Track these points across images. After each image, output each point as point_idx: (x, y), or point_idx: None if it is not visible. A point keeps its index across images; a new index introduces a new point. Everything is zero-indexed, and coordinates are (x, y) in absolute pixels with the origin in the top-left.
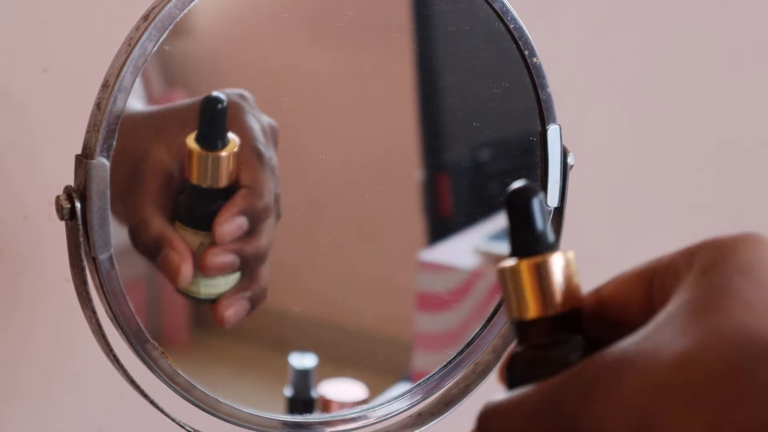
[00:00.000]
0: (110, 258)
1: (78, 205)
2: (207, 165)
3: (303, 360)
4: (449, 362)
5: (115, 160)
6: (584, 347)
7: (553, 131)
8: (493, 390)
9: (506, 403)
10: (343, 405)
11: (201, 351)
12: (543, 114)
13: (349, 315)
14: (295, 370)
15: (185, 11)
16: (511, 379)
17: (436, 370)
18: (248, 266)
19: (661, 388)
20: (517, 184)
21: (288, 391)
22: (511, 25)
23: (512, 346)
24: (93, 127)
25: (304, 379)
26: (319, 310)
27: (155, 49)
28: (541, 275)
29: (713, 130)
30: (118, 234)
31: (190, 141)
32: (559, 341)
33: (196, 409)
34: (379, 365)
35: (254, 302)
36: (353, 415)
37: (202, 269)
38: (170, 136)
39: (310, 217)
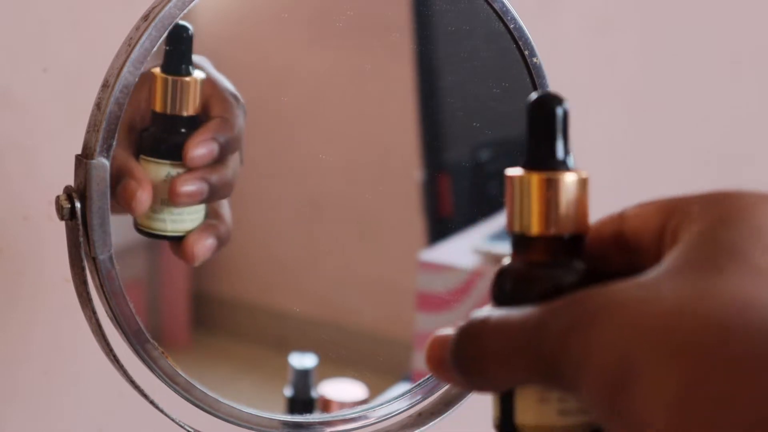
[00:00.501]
0: (110, 258)
1: (78, 205)
2: (170, 90)
3: (303, 360)
4: None
5: None
6: (583, 274)
7: None
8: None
9: (488, 326)
10: (343, 405)
11: (201, 351)
12: None
13: (349, 315)
14: (295, 370)
15: (185, 11)
16: (499, 292)
17: None
18: (214, 197)
19: (646, 333)
20: (544, 92)
21: (288, 391)
22: (511, 25)
23: (506, 258)
24: (93, 127)
25: (304, 379)
26: (319, 310)
27: (155, 49)
28: (552, 192)
29: (713, 130)
30: (118, 234)
31: (155, 69)
32: (557, 262)
33: (196, 409)
34: (379, 365)
35: (221, 240)
36: (353, 415)
37: (171, 197)
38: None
39: (310, 217)
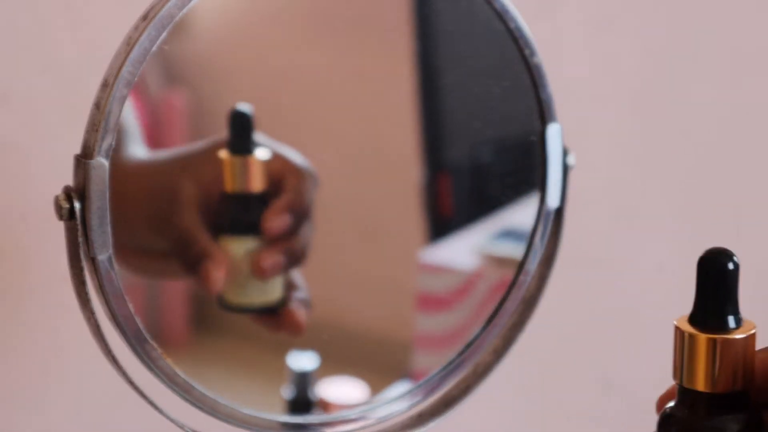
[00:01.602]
0: (109, 258)
1: (77, 205)
2: (238, 170)
3: (302, 360)
4: (449, 363)
5: (146, 203)
6: (746, 425)
7: (553, 131)
8: (492, 390)
9: None
10: (342, 406)
11: (200, 351)
12: (543, 114)
13: (349, 315)
14: (295, 371)
15: (185, 11)
16: None
17: (437, 370)
18: (293, 266)
19: None
20: (714, 249)
21: (287, 392)
22: (511, 25)
23: (671, 404)
24: (92, 127)
25: (303, 380)
26: (319, 310)
27: (154, 48)
28: (720, 353)
29: (713, 130)
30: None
31: (221, 153)
32: (721, 417)
33: (195, 409)
34: (379, 365)
35: (306, 305)
36: (353, 416)
37: (256, 272)
38: (195, 168)
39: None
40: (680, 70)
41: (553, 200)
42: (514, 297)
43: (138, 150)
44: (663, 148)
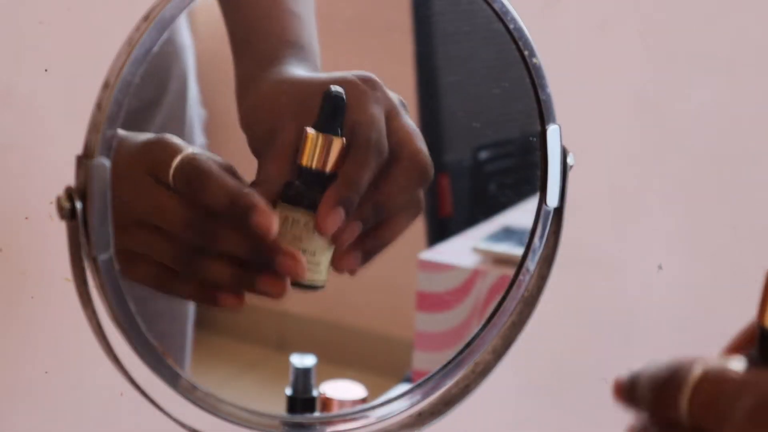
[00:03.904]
0: (110, 258)
1: (78, 205)
2: (320, 147)
3: (303, 360)
4: (449, 362)
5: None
6: None
7: (552, 131)
8: (492, 390)
9: (743, 378)
10: (343, 405)
11: (201, 351)
12: (543, 114)
13: (349, 315)
14: (296, 370)
15: (185, 11)
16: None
17: (436, 370)
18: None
19: None
20: None
21: (288, 391)
22: (511, 26)
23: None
24: (94, 128)
25: (304, 379)
26: (319, 310)
27: (155, 49)
28: None
29: (713, 130)
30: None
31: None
32: None
33: (197, 408)
34: (379, 365)
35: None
36: (353, 415)
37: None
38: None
39: None
40: (680, 71)
41: (552, 200)
42: (514, 296)
43: None
44: (662, 148)
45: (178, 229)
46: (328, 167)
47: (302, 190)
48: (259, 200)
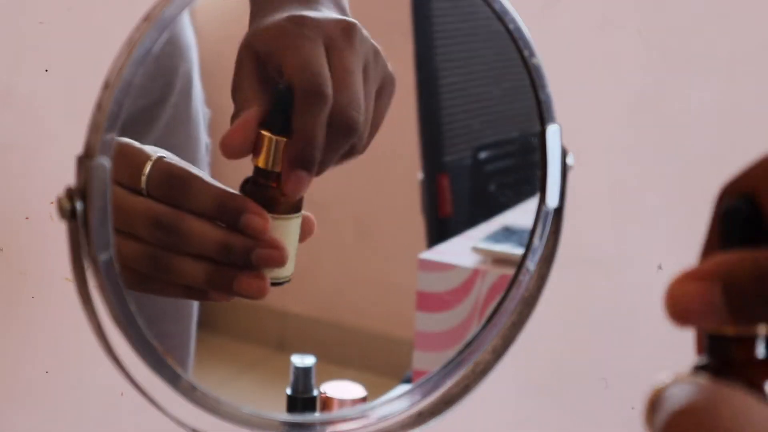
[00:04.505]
0: (110, 258)
1: (78, 205)
2: (275, 148)
3: (303, 360)
4: (449, 362)
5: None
6: None
7: (552, 131)
8: (492, 389)
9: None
10: (343, 404)
11: (201, 351)
12: (543, 114)
13: (349, 315)
14: (296, 370)
15: (185, 11)
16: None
17: (436, 369)
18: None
19: None
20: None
21: (288, 391)
22: (511, 26)
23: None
24: (94, 128)
25: (304, 379)
26: (319, 310)
27: (156, 49)
28: None
29: (713, 130)
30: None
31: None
32: None
33: (197, 408)
34: (379, 365)
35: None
36: (353, 415)
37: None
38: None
39: None
40: (680, 70)
41: (552, 200)
42: (514, 296)
43: None
44: (662, 148)
45: (151, 235)
46: (280, 167)
47: (258, 189)
48: (249, 201)
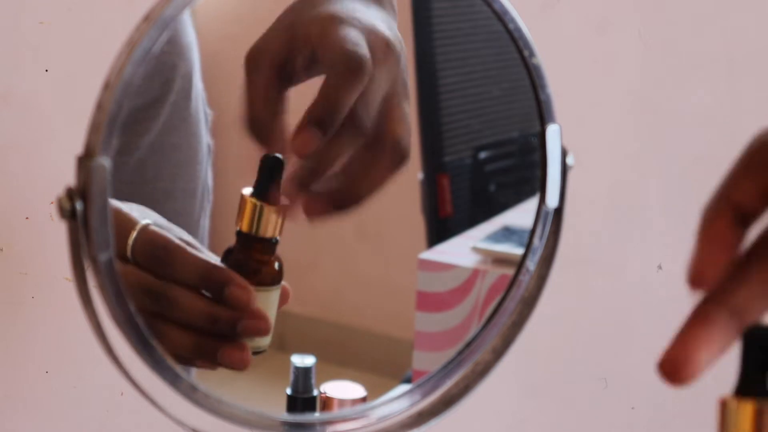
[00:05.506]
0: (110, 258)
1: (79, 205)
2: (257, 214)
3: (303, 360)
4: (449, 362)
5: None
6: None
7: (552, 131)
8: (492, 389)
9: None
10: (343, 404)
11: None
12: (542, 114)
13: (349, 315)
14: (296, 370)
15: (185, 11)
16: None
17: (436, 369)
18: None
19: None
20: (759, 326)
21: (288, 391)
22: (511, 26)
23: None
24: (94, 128)
25: (304, 379)
26: (319, 310)
27: (156, 49)
28: (764, 421)
29: (713, 130)
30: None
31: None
32: None
33: (197, 408)
34: (379, 365)
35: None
36: (353, 415)
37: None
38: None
39: None
40: (679, 71)
41: (552, 200)
42: (514, 296)
43: None
44: (662, 148)
45: (140, 301)
46: (266, 233)
47: (241, 256)
48: (233, 274)
